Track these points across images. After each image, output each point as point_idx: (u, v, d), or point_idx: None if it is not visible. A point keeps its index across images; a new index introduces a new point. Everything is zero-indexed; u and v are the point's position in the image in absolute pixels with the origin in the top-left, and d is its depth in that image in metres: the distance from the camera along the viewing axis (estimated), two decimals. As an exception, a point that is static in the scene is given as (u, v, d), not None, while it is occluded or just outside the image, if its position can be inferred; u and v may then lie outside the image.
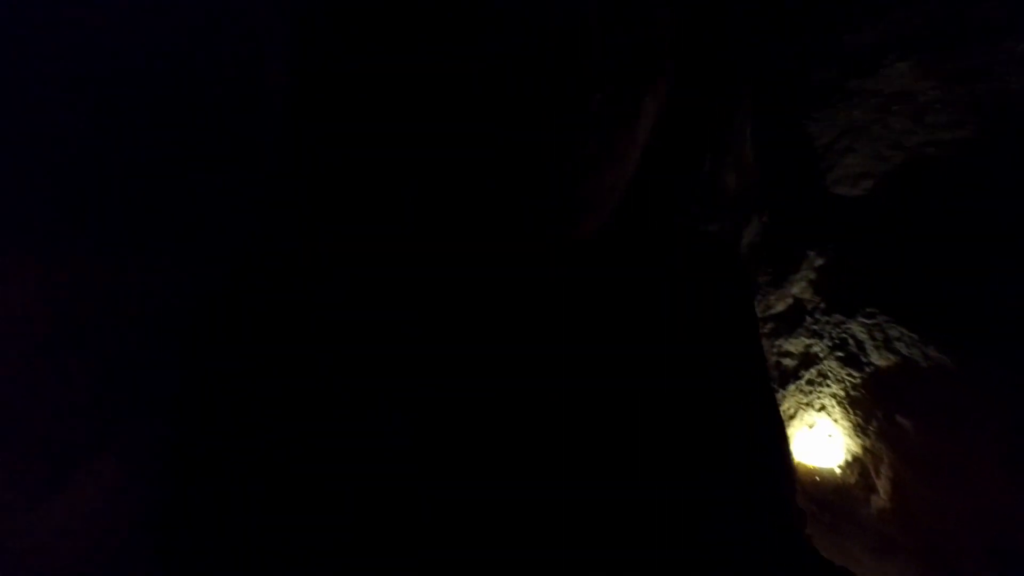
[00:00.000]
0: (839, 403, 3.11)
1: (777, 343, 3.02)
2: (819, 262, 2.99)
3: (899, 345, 2.87)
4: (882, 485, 2.89)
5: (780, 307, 2.95)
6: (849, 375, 3.05)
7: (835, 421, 3.13)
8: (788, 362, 3.07)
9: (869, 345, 2.96)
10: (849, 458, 3.05)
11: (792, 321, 3.02)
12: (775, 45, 2.43)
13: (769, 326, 2.98)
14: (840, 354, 3.06)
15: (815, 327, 3.06)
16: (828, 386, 3.13)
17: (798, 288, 2.98)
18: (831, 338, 3.05)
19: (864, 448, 2.98)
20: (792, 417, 3.16)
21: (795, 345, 3.06)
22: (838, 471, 3.09)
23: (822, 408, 3.18)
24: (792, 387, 3.10)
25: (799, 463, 3.20)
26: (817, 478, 3.11)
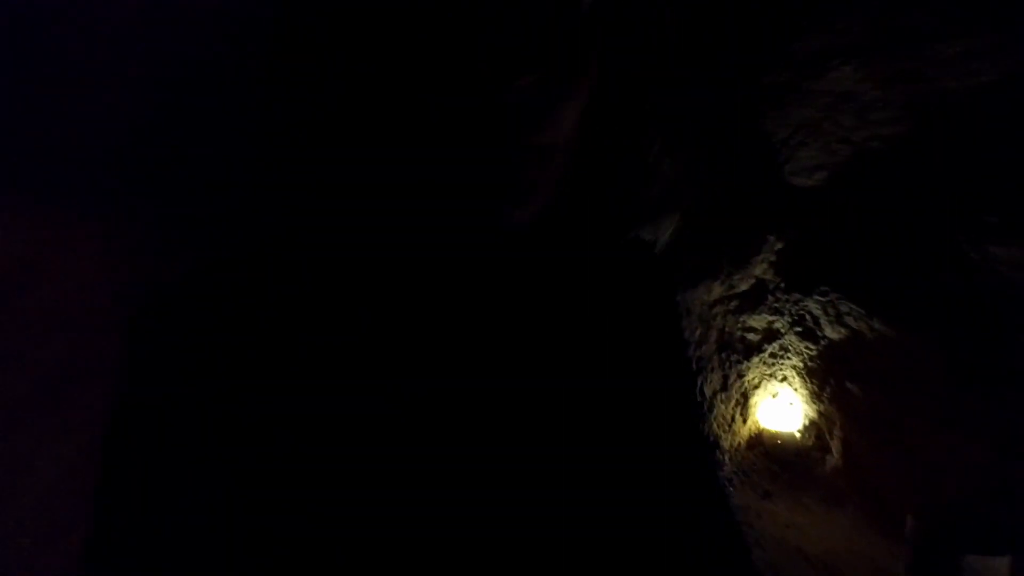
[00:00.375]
0: (798, 373, 3.43)
1: (742, 319, 3.34)
2: (779, 246, 3.30)
3: (849, 319, 3.19)
4: (835, 445, 3.22)
5: (743, 287, 3.27)
6: (807, 347, 3.37)
7: (795, 390, 3.45)
8: (752, 336, 3.39)
9: (823, 320, 3.28)
10: (807, 422, 3.37)
11: (755, 299, 3.34)
12: (719, 60, 2.73)
13: (734, 303, 3.29)
14: (799, 329, 3.38)
15: (776, 305, 3.38)
16: (789, 358, 3.45)
17: (759, 269, 3.30)
18: (791, 314, 3.37)
19: (819, 413, 3.30)
20: (756, 387, 3.48)
21: (758, 321, 3.38)
22: (798, 435, 3.42)
23: (784, 379, 3.51)
24: (756, 359, 3.43)
25: (764, 428, 3.52)
26: (779, 441, 3.44)
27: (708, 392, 3.22)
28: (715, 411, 3.26)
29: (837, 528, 2.95)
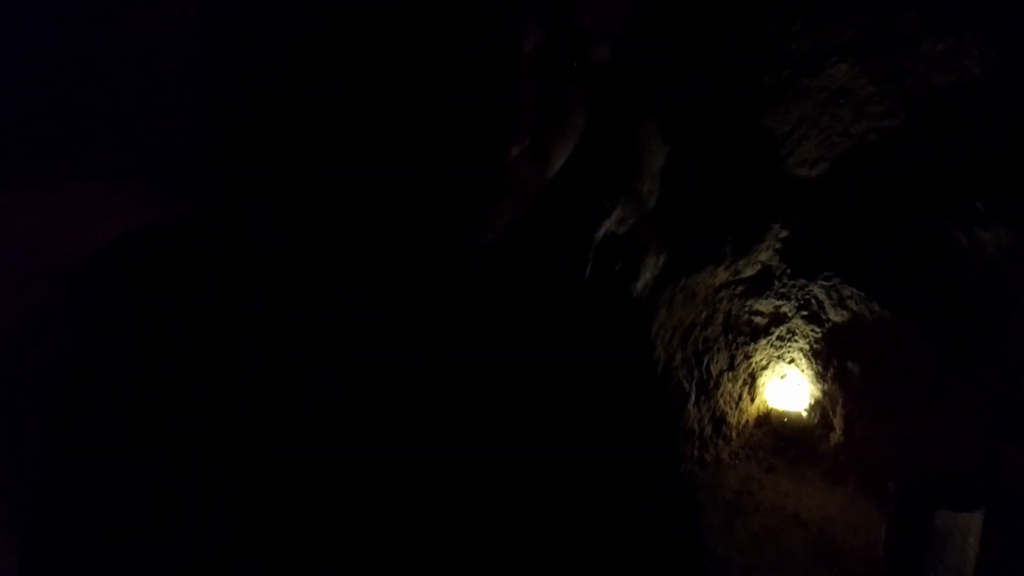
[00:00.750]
0: (805, 355, 3.62)
1: (748, 303, 3.56)
2: (783, 234, 3.50)
3: (850, 302, 3.37)
4: (836, 423, 3.41)
5: (749, 272, 3.49)
6: (812, 331, 3.56)
7: (802, 371, 3.65)
8: (759, 320, 3.61)
9: (827, 304, 3.47)
10: (812, 402, 3.56)
11: (762, 284, 3.55)
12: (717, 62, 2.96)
13: (740, 288, 3.51)
14: (805, 313, 3.57)
15: (783, 290, 3.58)
16: (796, 341, 3.64)
17: (765, 256, 3.51)
18: (797, 299, 3.57)
19: (823, 392, 3.49)
20: (764, 368, 3.69)
21: (765, 306, 3.59)
22: (804, 414, 3.61)
23: (792, 361, 3.70)
24: (764, 341, 3.64)
25: (772, 408, 3.73)
26: (786, 420, 3.64)
27: (714, 371, 3.46)
28: (721, 388, 3.49)
29: (835, 499, 3.14)
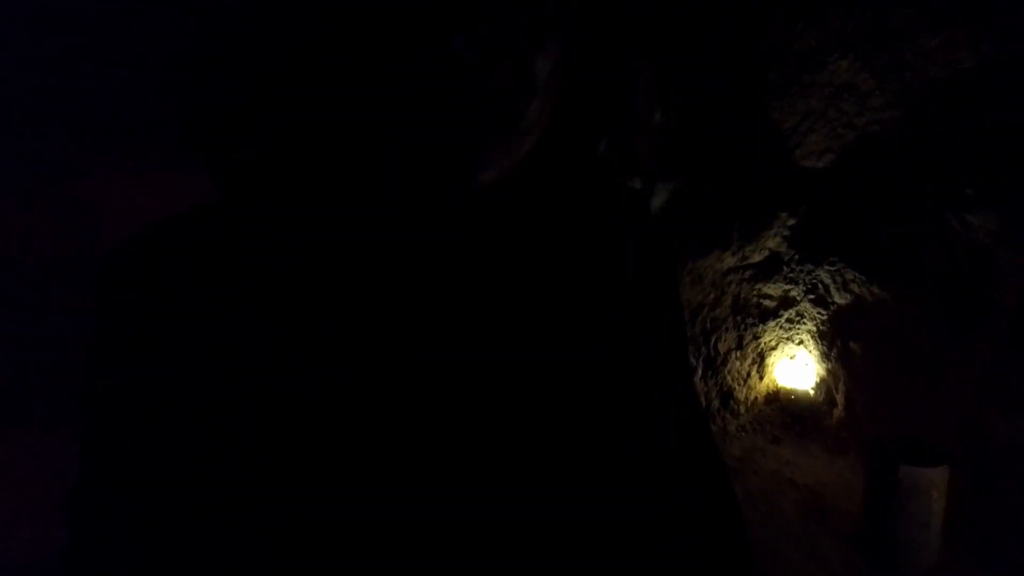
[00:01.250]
0: (812, 337, 3.81)
1: (757, 287, 3.77)
2: (791, 221, 3.71)
3: (853, 286, 3.54)
4: (839, 399, 3.59)
5: (757, 257, 3.71)
6: (819, 313, 3.75)
7: (810, 352, 3.84)
8: (768, 303, 3.82)
9: (832, 288, 3.65)
10: (818, 380, 3.75)
11: (770, 269, 3.76)
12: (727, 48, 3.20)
13: (749, 272, 3.74)
14: (812, 296, 3.76)
15: (791, 275, 3.78)
16: (804, 323, 3.84)
17: (773, 243, 3.72)
18: (805, 283, 3.77)
19: (828, 371, 3.68)
20: (773, 349, 3.90)
21: (774, 289, 3.80)
22: (811, 392, 3.81)
23: (801, 342, 3.89)
24: (772, 323, 3.84)
25: (781, 387, 3.93)
26: (793, 397, 3.84)
27: (722, 349, 3.69)
28: (728, 365, 3.72)
29: (833, 468, 3.34)
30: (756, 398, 3.88)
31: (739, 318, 3.76)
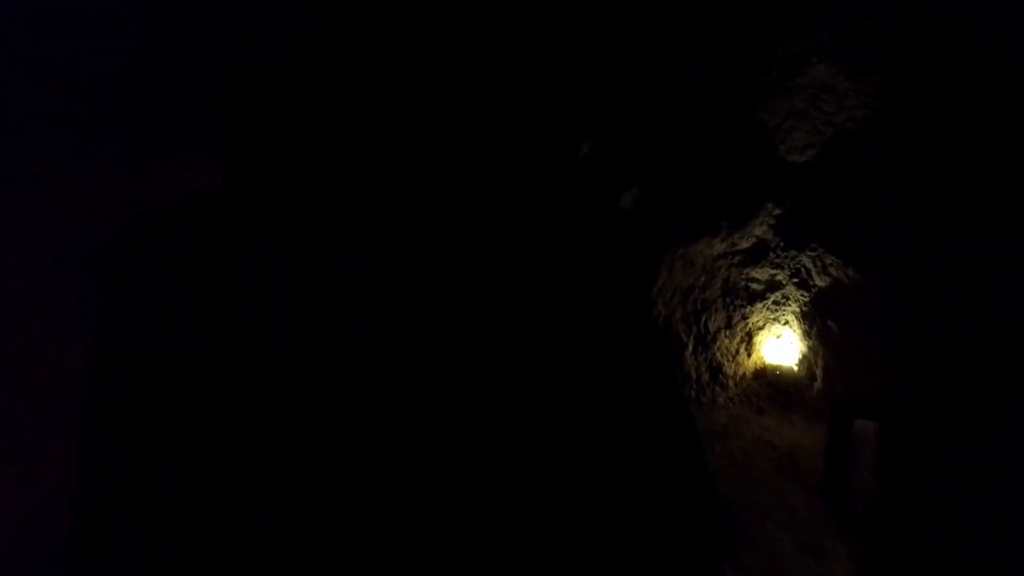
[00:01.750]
0: (796, 318, 4.16)
1: (745, 271, 4.13)
2: (777, 211, 4.05)
3: (832, 269, 3.88)
4: (819, 373, 3.94)
5: (745, 244, 4.06)
6: (802, 295, 4.09)
7: (794, 331, 4.18)
8: (755, 286, 4.17)
9: (814, 271, 3.99)
10: (800, 357, 4.10)
11: (757, 255, 4.11)
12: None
13: (737, 258, 4.09)
14: (796, 280, 4.11)
15: (777, 260, 4.13)
16: (789, 305, 4.18)
17: (760, 231, 4.06)
18: (789, 268, 4.11)
19: (809, 347, 4.02)
20: (761, 328, 4.25)
21: (761, 274, 4.15)
22: (795, 368, 4.15)
23: (786, 323, 4.24)
24: (760, 305, 4.19)
25: (768, 364, 4.28)
26: (778, 372, 4.19)
27: (712, 328, 4.06)
28: (718, 343, 4.08)
29: (810, 434, 3.70)
30: (744, 373, 4.24)
31: (728, 299, 4.12)
